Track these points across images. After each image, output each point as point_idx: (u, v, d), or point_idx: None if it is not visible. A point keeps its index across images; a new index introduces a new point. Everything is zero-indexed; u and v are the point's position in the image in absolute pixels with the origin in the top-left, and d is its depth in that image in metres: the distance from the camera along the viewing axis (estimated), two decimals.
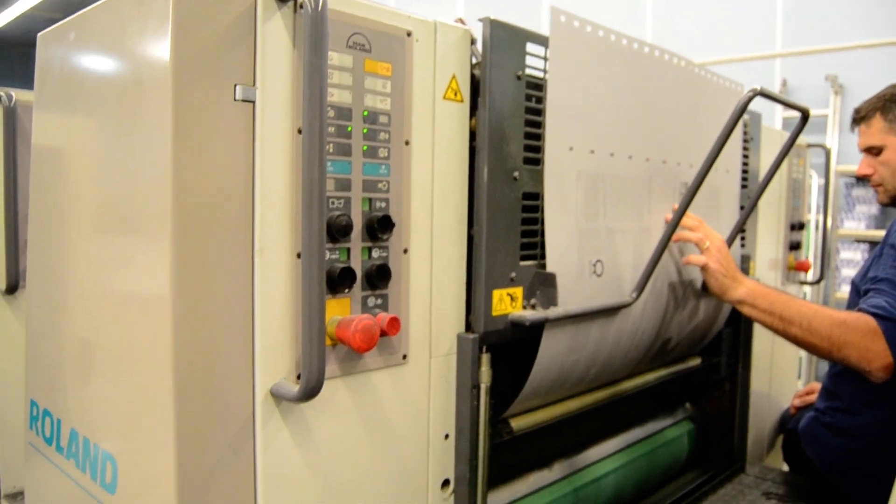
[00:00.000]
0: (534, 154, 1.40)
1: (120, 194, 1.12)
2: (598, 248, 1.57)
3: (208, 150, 0.97)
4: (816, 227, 4.77)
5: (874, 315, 1.64)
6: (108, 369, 1.18)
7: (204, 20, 0.96)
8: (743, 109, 1.51)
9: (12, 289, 2.17)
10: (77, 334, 1.28)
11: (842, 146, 5.13)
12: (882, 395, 1.92)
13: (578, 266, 1.51)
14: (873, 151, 2.01)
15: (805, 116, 1.72)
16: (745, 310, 1.77)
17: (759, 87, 1.49)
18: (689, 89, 1.84)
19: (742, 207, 2.10)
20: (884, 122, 1.98)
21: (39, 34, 1.35)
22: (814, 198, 5.01)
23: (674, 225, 1.64)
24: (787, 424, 2.56)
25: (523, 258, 1.39)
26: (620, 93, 1.61)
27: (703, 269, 1.79)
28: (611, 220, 1.61)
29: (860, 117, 2.04)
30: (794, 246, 2.63)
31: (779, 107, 5.22)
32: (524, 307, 1.40)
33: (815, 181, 4.98)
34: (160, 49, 0.96)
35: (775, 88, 5.30)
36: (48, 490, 1.39)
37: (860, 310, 1.70)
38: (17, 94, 2.16)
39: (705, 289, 1.93)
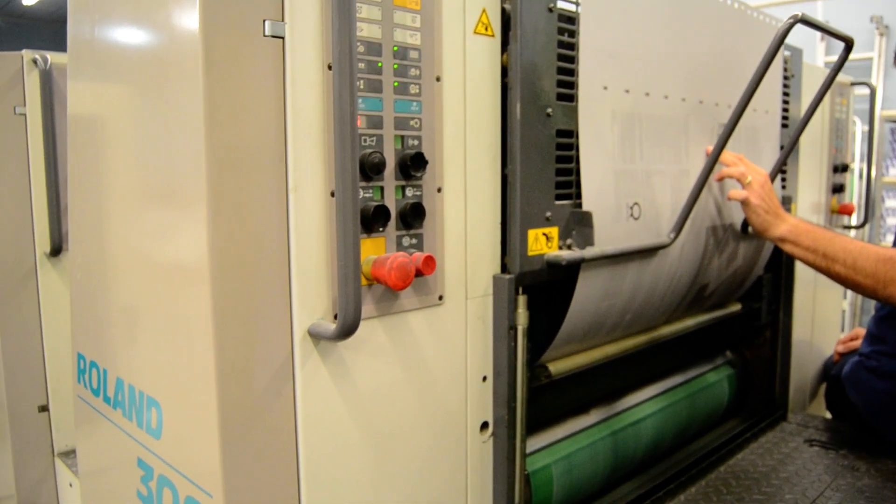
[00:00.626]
0: (567, 90, 1.37)
1: (154, 142, 1.13)
2: (635, 191, 1.54)
3: (239, 87, 0.97)
4: (861, 175, 4.64)
5: None
6: (151, 316, 1.20)
7: None
8: (783, 37, 1.45)
9: (56, 251, 2.22)
10: (120, 286, 1.30)
11: (888, 90, 4.97)
12: None
13: (615, 209, 1.49)
14: None
15: (849, 46, 1.65)
16: (788, 247, 1.72)
17: (800, 14, 1.44)
18: (728, 26, 1.78)
19: (782, 148, 2.04)
20: None
21: None
22: (858, 145, 4.86)
23: (712, 162, 1.60)
24: (831, 371, 2.52)
25: (558, 197, 1.38)
26: (656, 30, 1.56)
27: (745, 204, 1.74)
28: (648, 162, 1.58)
29: None
30: (837, 189, 2.56)
31: (820, 50, 5.06)
32: (560, 247, 1.38)
33: (859, 127, 4.83)
34: None
35: (818, 34, 5.13)
36: (98, 440, 1.43)
37: None
38: (53, 57, 2.18)
39: (745, 230, 1.89)
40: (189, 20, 0.96)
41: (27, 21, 12.00)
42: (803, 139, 2.28)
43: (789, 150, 1.88)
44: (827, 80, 1.76)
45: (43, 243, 2.23)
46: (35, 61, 2.18)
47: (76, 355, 1.48)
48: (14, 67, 2.18)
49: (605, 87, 1.45)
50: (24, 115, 2.20)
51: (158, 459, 1.19)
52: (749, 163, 1.78)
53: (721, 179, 1.79)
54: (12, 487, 2.28)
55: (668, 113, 1.63)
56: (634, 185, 1.54)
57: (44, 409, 2.30)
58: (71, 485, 2.22)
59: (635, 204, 1.54)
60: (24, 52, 2.19)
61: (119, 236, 1.28)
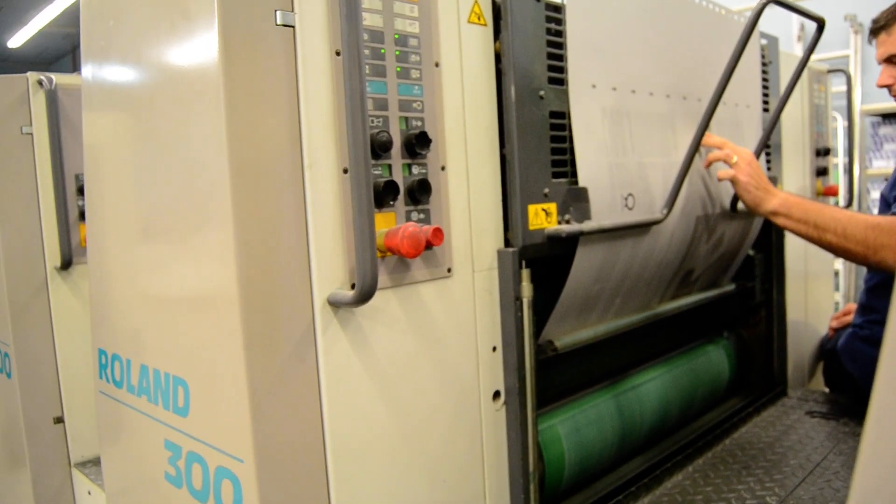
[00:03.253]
0: (557, 74, 1.45)
1: (176, 144, 1.20)
2: (629, 182, 1.61)
3: (256, 74, 1.04)
4: (845, 170, 4.74)
5: None
6: (178, 302, 1.26)
7: None
8: (757, 17, 1.54)
9: (66, 264, 2.27)
10: (143, 280, 1.36)
11: (865, 86, 5.09)
12: None
13: (611, 198, 1.56)
14: (894, 60, 2.01)
15: (821, 27, 1.74)
16: (780, 220, 1.78)
17: None
18: (709, 27, 1.86)
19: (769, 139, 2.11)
20: None
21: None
22: (840, 141, 4.97)
23: (697, 140, 1.66)
24: (826, 346, 2.59)
25: (555, 175, 1.45)
26: (639, 30, 1.64)
27: (735, 182, 1.81)
28: (639, 155, 1.65)
29: (880, 27, 2.03)
30: (821, 172, 2.64)
31: (798, 49, 5.19)
32: (559, 222, 1.45)
33: (840, 123, 4.94)
34: None
35: (793, 31, 5.26)
36: (123, 430, 1.48)
37: (894, 214, 1.72)
38: (58, 78, 2.25)
39: (734, 208, 1.96)
40: (208, 12, 1.03)
41: (13, 63, 12.09)
42: (785, 125, 2.37)
43: (770, 129, 1.96)
44: (802, 59, 1.85)
45: (53, 257, 2.29)
46: (40, 82, 2.25)
47: (97, 352, 1.54)
48: (20, 89, 2.25)
49: (594, 86, 1.53)
50: (31, 134, 2.26)
51: (186, 437, 1.24)
52: (733, 145, 1.85)
53: (709, 165, 1.86)
54: (31, 499, 2.32)
55: (654, 109, 1.71)
56: (628, 176, 1.61)
57: (59, 420, 2.35)
58: (90, 492, 2.26)
59: (630, 195, 1.62)
60: (29, 73, 2.27)
61: (142, 235, 1.35)
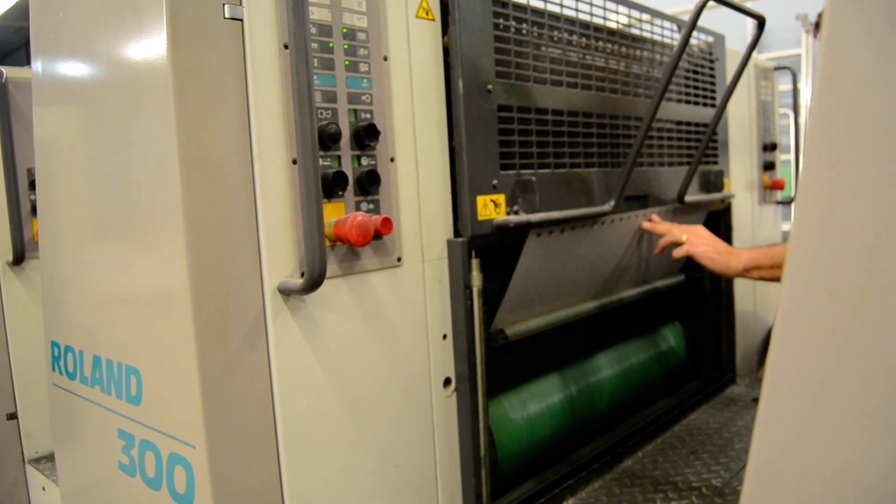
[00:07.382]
0: (505, 68, 1.48)
1: (125, 137, 1.21)
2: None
3: (204, 64, 1.06)
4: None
5: None
6: (129, 292, 1.27)
7: None
8: (697, 15, 1.59)
9: (19, 259, 2.25)
10: (96, 271, 1.36)
11: None
12: None
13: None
14: None
15: (761, 24, 1.80)
16: (754, 274, 1.79)
17: None
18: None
19: (716, 134, 2.17)
20: None
21: None
22: (792, 138, 5.08)
23: (645, 127, 1.68)
24: None
25: (503, 167, 1.48)
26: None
27: (694, 257, 1.83)
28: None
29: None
30: (768, 166, 2.72)
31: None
32: (508, 213, 1.49)
33: (792, 122, 5.05)
34: None
35: (747, 31, 5.37)
36: (77, 422, 1.48)
37: None
38: (8, 72, 2.23)
39: (682, 200, 2.02)
40: (155, 10, 1.05)
41: None
42: (732, 121, 2.44)
43: (715, 124, 2.02)
44: (744, 56, 1.91)
45: (5, 253, 2.27)
46: None
47: (49, 344, 1.54)
48: None
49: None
50: None
51: (139, 425, 1.25)
52: (678, 225, 1.90)
53: (661, 251, 1.92)
54: None
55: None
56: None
57: (12, 416, 2.32)
58: (44, 489, 2.24)
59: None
60: None
61: (94, 228, 1.35)
